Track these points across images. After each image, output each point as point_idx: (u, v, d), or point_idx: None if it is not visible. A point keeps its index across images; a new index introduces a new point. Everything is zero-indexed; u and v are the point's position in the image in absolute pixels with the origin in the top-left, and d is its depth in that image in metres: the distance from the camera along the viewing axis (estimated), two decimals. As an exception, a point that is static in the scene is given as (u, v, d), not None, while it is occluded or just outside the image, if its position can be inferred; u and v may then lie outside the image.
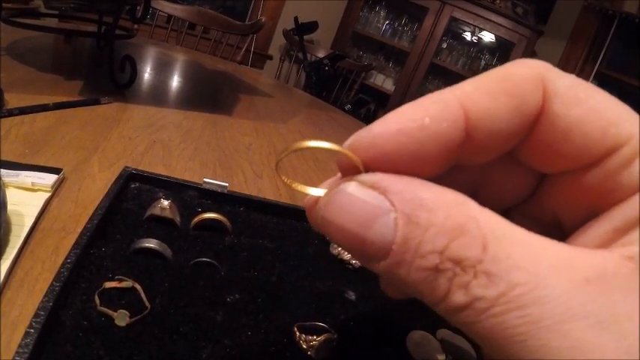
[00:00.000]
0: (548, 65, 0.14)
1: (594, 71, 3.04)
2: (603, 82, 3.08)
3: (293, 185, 0.15)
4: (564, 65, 3.12)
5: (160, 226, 0.31)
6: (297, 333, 0.25)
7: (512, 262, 0.12)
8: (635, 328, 0.11)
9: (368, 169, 0.13)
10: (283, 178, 0.15)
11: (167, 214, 0.30)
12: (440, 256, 0.12)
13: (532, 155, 0.15)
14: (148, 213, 0.31)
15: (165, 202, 0.31)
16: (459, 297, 0.12)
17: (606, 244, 0.13)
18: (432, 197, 0.12)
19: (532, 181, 0.17)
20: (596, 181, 0.14)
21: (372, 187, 0.13)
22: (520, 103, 0.14)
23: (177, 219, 0.31)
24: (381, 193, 0.13)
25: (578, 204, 0.15)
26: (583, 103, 0.14)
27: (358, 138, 0.14)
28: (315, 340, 0.25)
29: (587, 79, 3.01)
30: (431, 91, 0.15)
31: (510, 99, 0.14)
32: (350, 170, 0.14)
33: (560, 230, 0.16)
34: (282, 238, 0.34)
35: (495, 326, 0.11)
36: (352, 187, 0.13)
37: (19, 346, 0.19)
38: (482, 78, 0.14)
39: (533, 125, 0.14)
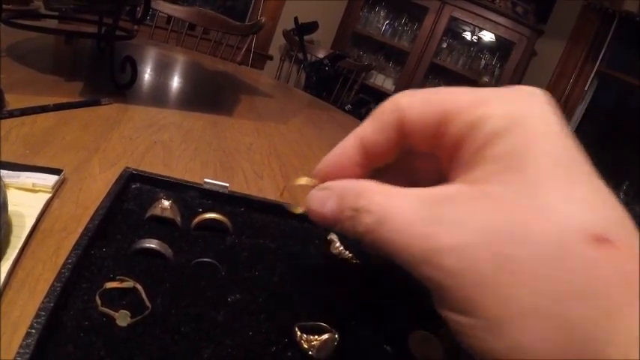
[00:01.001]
0: (404, 93, 0.23)
1: (594, 70, 3.04)
2: (603, 81, 3.08)
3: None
4: (564, 64, 3.12)
5: (160, 226, 0.31)
6: (299, 333, 0.25)
7: (383, 201, 0.20)
8: (474, 226, 0.18)
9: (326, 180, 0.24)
10: (298, 208, 0.26)
11: (168, 214, 0.30)
12: (350, 210, 0.21)
13: (410, 143, 0.23)
14: (149, 213, 0.31)
15: (166, 203, 0.31)
16: (359, 227, 0.20)
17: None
18: (345, 186, 0.22)
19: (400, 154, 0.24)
20: (447, 151, 0.21)
21: (324, 188, 0.23)
22: (383, 124, 0.23)
23: (178, 219, 0.31)
24: (329, 190, 0.23)
25: (435, 164, 0.23)
26: (423, 105, 0.22)
27: (317, 169, 0.25)
28: (316, 339, 0.25)
29: (587, 78, 3.02)
30: None
31: (379, 124, 0.23)
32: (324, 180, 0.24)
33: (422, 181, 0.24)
34: (284, 238, 0.34)
35: (375, 239, 0.20)
36: (316, 190, 0.24)
37: (20, 346, 0.19)
38: (369, 117, 0.24)
39: (401, 131, 0.23)
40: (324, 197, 0.23)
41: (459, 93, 0.21)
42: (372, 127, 0.23)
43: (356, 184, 0.22)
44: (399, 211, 0.19)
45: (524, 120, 0.19)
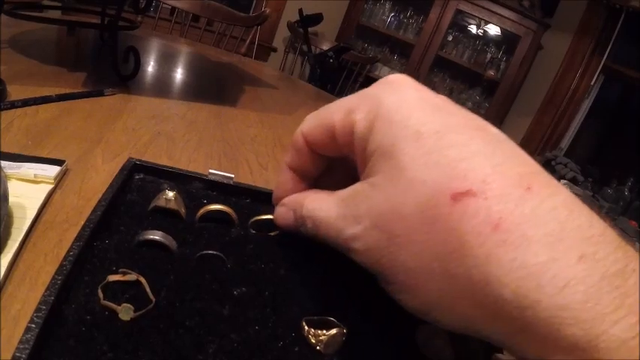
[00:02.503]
0: (309, 116, 0.27)
1: (601, 65, 3.01)
2: (609, 76, 3.06)
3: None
4: (571, 59, 3.10)
5: (164, 217, 0.30)
6: (306, 327, 0.24)
7: (313, 207, 0.26)
8: (367, 214, 0.22)
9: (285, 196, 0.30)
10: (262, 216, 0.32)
11: (172, 205, 0.30)
12: (300, 219, 0.27)
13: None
14: (153, 204, 0.30)
15: (170, 194, 0.30)
16: (307, 230, 0.26)
17: None
18: (294, 199, 0.28)
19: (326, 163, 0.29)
20: (350, 156, 0.25)
21: (283, 204, 0.29)
22: (297, 149, 0.28)
23: (183, 210, 0.30)
24: (286, 206, 0.29)
25: (348, 169, 0.27)
26: (313, 122, 0.27)
27: (274, 198, 0.31)
28: (324, 334, 0.24)
29: (593, 73, 3.00)
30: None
31: (294, 150, 0.28)
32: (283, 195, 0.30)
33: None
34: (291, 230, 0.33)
35: (318, 237, 0.25)
36: (278, 207, 0.30)
37: (20, 341, 0.18)
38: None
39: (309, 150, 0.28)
40: (284, 212, 0.29)
41: (334, 111, 0.25)
42: (292, 155, 0.28)
43: (298, 197, 0.28)
44: (324, 214, 0.25)
45: (381, 113, 0.22)
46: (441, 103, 0.23)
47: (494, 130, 0.22)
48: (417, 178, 0.20)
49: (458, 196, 0.18)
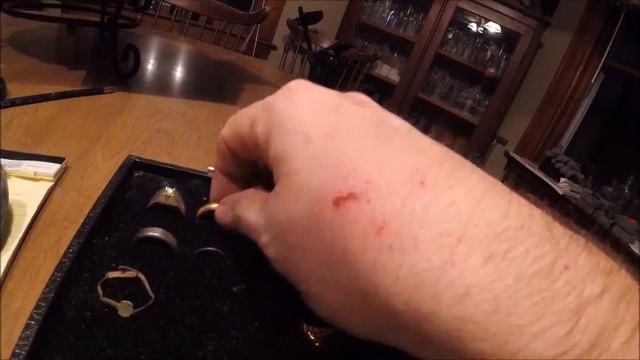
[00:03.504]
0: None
1: (601, 64, 3.01)
2: (610, 74, 3.05)
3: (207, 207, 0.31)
4: (571, 57, 3.09)
5: (164, 215, 0.30)
6: (305, 324, 0.24)
7: (242, 208, 0.25)
8: (269, 224, 0.22)
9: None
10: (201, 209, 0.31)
11: (172, 202, 0.30)
12: (236, 217, 0.26)
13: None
14: (152, 201, 0.30)
15: (170, 191, 0.30)
16: (242, 229, 0.25)
17: None
18: (232, 198, 0.28)
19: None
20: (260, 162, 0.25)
21: (222, 203, 0.29)
22: (225, 156, 0.28)
23: (182, 207, 0.31)
24: (225, 204, 0.28)
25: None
26: (233, 132, 0.26)
27: (211, 198, 0.30)
28: (323, 331, 0.24)
29: (593, 71, 2.99)
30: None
31: (221, 157, 0.28)
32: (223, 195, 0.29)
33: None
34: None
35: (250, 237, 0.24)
36: (219, 206, 0.29)
37: (20, 338, 0.18)
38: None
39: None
40: (222, 210, 0.28)
41: (243, 122, 0.24)
42: (219, 159, 0.28)
43: (237, 196, 0.27)
44: (250, 216, 0.24)
45: (275, 122, 0.21)
46: (337, 103, 0.21)
47: (396, 122, 0.20)
48: (304, 182, 0.19)
49: (339, 201, 0.17)
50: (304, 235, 0.19)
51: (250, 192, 0.26)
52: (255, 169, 0.27)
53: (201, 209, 0.31)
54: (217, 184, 0.29)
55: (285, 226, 0.20)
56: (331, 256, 0.18)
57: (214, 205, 0.30)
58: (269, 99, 0.23)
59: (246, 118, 0.24)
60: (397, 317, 0.16)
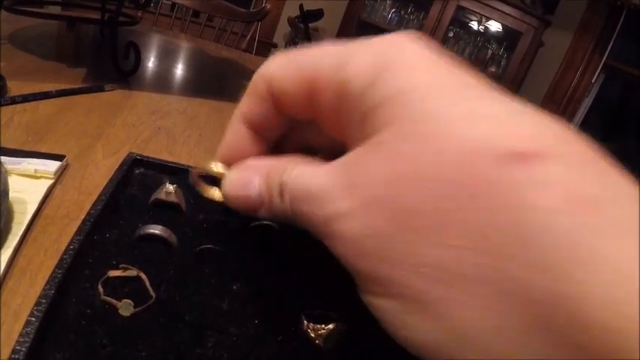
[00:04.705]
0: (276, 57, 0.20)
1: (602, 63, 3.00)
2: (610, 74, 3.05)
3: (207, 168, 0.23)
4: (571, 56, 3.09)
5: (165, 211, 0.30)
6: (306, 322, 0.24)
7: (299, 172, 0.18)
8: (367, 184, 0.15)
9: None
10: (215, 192, 0.24)
11: (172, 198, 0.30)
12: (277, 187, 0.19)
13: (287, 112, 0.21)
14: (153, 198, 0.30)
15: (171, 187, 0.30)
16: (285, 203, 0.19)
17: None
18: (269, 163, 0.20)
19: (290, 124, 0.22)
20: (327, 120, 0.19)
21: (247, 168, 0.21)
22: (257, 95, 0.21)
23: (183, 204, 0.31)
24: (249, 169, 0.21)
25: (322, 134, 0.20)
26: (287, 69, 0.19)
27: (218, 155, 0.23)
28: (323, 329, 0.24)
29: (594, 70, 2.99)
30: None
31: (254, 95, 0.21)
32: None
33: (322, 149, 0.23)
34: (290, 225, 0.33)
35: (298, 214, 0.18)
36: (236, 172, 0.21)
37: (20, 335, 0.18)
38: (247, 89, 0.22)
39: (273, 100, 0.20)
40: (246, 178, 0.20)
41: (324, 55, 0.18)
42: (249, 102, 0.21)
43: (279, 161, 0.19)
44: (311, 180, 0.17)
45: (392, 65, 0.16)
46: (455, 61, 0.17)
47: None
48: (451, 132, 0.13)
49: (517, 156, 0.12)
50: (447, 202, 0.13)
51: (299, 157, 0.20)
52: (292, 134, 0.23)
53: (195, 170, 0.25)
54: (235, 137, 0.22)
55: (405, 188, 0.14)
56: (499, 238, 0.12)
57: (219, 168, 0.23)
58: (370, 41, 0.18)
59: (326, 59, 0.18)
60: (617, 346, 0.10)
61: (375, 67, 0.16)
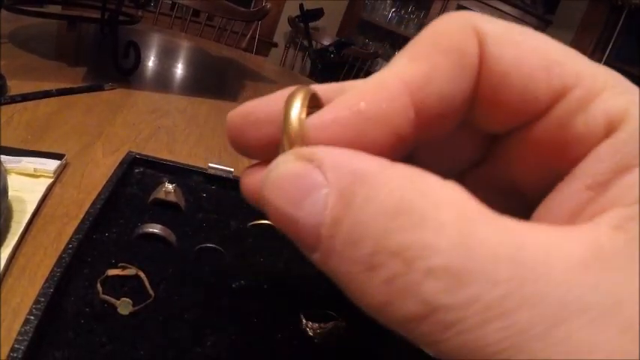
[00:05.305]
0: (476, 13, 0.13)
1: (602, 62, 2.99)
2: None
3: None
4: (572, 54, 3.09)
5: (164, 210, 0.30)
6: (304, 320, 0.24)
7: (487, 251, 0.08)
8: (637, 314, 0.08)
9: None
10: None
11: (172, 197, 0.30)
12: (375, 244, 0.09)
13: (477, 112, 0.13)
14: (152, 197, 0.30)
15: (170, 186, 0.30)
16: (407, 306, 0.09)
17: (581, 208, 0.11)
18: (374, 170, 0.10)
19: (480, 143, 0.15)
20: (548, 134, 0.12)
21: (308, 159, 0.10)
22: (458, 58, 0.12)
23: (182, 203, 0.31)
24: (316, 166, 0.10)
25: (535, 166, 0.13)
26: (520, 44, 0.12)
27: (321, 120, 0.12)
28: (322, 327, 0.24)
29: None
30: None
31: (447, 56, 0.12)
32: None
33: (522, 203, 0.14)
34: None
35: (468, 344, 0.08)
36: (287, 160, 0.11)
37: (19, 333, 0.18)
38: (414, 45, 0.13)
39: (478, 79, 0.12)
40: (307, 182, 0.10)
41: (575, 56, 0.13)
42: (434, 64, 0.12)
43: (406, 172, 0.10)
44: (545, 288, 0.09)
45: None
46: None
47: None
48: None
49: None
50: None
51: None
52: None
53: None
54: (374, 106, 0.12)
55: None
56: None
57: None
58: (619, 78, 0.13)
59: (583, 59, 0.13)
60: None
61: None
